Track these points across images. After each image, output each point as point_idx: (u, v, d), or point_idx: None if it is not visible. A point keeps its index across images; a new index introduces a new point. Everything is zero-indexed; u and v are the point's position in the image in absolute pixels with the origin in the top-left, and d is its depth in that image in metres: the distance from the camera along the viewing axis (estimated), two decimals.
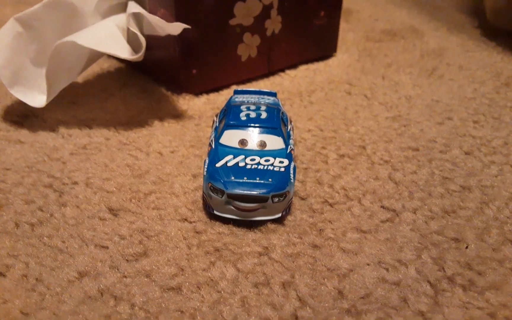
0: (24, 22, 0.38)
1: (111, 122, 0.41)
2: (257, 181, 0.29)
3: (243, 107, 0.34)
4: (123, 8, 0.42)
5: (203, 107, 0.44)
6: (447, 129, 0.41)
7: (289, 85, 0.49)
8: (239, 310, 0.24)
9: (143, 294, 0.25)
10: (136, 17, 0.39)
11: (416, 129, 0.41)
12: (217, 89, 0.47)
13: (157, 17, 0.37)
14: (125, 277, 0.26)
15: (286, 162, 0.31)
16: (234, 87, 0.47)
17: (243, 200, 0.29)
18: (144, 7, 0.42)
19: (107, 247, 0.28)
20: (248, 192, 0.28)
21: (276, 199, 0.29)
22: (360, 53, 0.57)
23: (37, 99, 0.39)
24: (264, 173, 0.29)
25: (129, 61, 0.39)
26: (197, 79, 0.45)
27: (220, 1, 0.42)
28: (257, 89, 0.38)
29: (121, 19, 0.39)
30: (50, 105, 0.41)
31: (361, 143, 0.39)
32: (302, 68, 0.53)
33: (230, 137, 0.32)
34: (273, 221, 0.30)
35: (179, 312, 0.24)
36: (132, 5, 0.40)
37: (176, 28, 0.37)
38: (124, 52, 0.37)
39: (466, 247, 0.28)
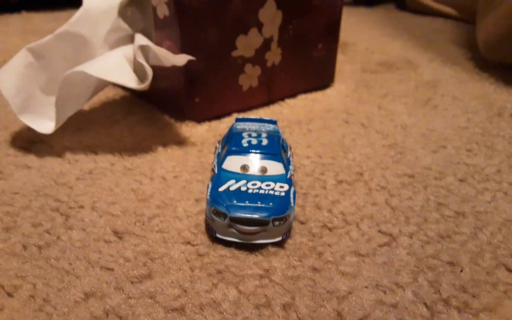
0: (36, 53, 0.40)
1: (116, 148, 0.42)
2: (259, 205, 0.30)
3: (244, 134, 0.36)
4: (130, 39, 0.43)
5: (205, 134, 0.45)
6: (441, 157, 0.42)
7: (289, 113, 0.50)
8: None
9: (148, 314, 0.26)
10: (143, 48, 0.41)
11: (412, 156, 0.42)
12: (219, 117, 0.49)
13: (163, 49, 0.39)
14: (130, 298, 0.27)
15: (286, 186, 0.32)
16: (235, 115, 0.49)
17: (245, 223, 0.29)
18: (150, 39, 0.44)
19: (112, 269, 0.29)
20: (250, 215, 0.29)
21: (276, 223, 0.30)
22: (357, 84, 0.59)
23: (46, 125, 0.41)
24: (265, 197, 0.31)
25: (134, 89, 0.40)
26: (200, 107, 0.47)
27: (223, 34, 0.44)
28: (258, 117, 0.39)
29: (128, 50, 0.40)
30: (57, 131, 0.42)
31: (358, 170, 0.40)
32: (301, 97, 0.54)
33: (233, 163, 0.33)
34: (274, 244, 0.31)
35: None
36: (140, 38, 0.41)
37: (181, 59, 0.39)
38: (131, 81, 0.38)
39: (461, 271, 0.29)
